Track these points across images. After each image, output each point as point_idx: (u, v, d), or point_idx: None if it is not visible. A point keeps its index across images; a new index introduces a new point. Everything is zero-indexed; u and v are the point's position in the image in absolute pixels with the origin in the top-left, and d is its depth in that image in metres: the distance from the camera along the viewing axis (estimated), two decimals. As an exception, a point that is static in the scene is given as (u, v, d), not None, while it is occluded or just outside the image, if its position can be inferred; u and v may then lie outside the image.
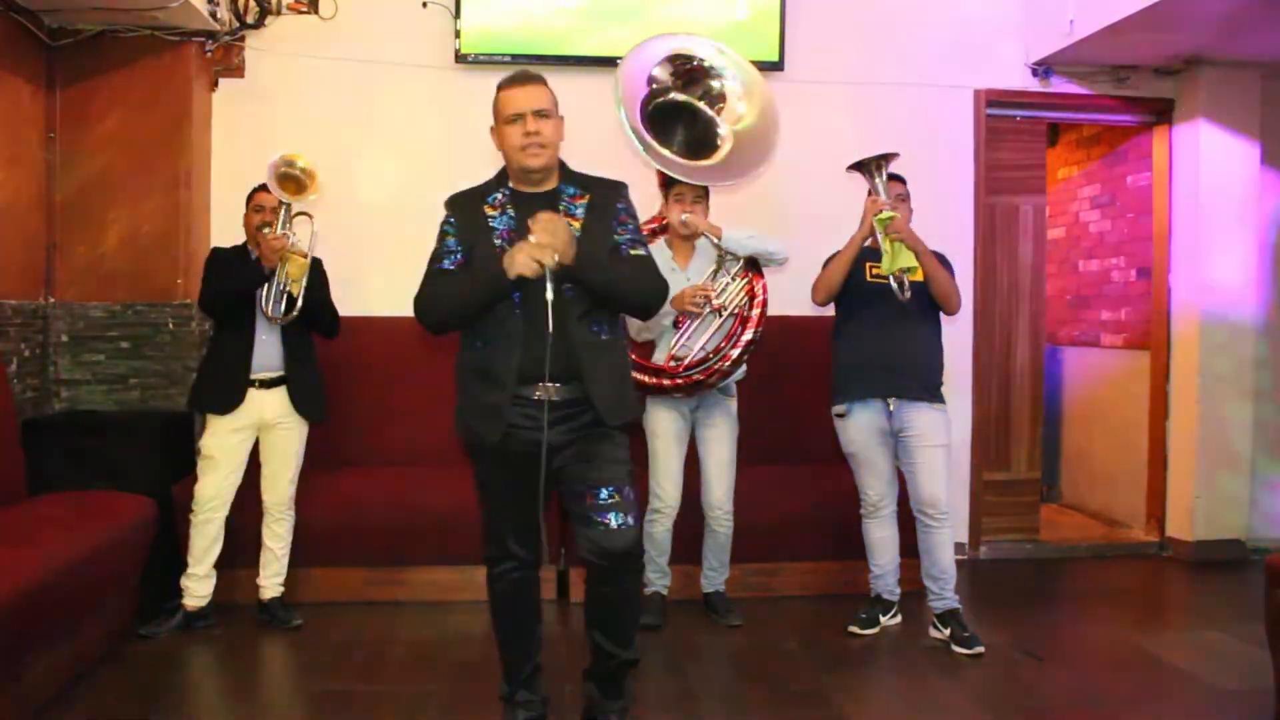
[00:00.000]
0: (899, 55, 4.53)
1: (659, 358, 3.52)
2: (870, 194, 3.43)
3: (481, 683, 2.96)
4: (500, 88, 2.45)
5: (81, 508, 3.16)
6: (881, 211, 3.36)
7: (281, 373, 3.47)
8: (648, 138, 3.00)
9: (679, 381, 3.45)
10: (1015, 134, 4.71)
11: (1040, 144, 4.84)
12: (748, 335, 3.48)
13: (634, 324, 3.46)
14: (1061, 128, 5.60)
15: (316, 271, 3.55)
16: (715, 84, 3.16)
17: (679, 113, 3.17)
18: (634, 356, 3.48)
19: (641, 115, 3.05)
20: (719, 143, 3.15)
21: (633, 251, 2.43)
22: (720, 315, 3.47)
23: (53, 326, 3.98)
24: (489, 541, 2.53)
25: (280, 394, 3.48)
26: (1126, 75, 4.64)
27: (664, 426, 3.53)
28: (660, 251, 3.53)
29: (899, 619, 3.59)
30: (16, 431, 3.40)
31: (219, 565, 3.52)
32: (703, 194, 3.48)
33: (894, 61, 4.52)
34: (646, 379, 3.47)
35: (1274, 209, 4.77)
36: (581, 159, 2.61)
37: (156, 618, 3.42)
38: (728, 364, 3.45)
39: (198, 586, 3.46)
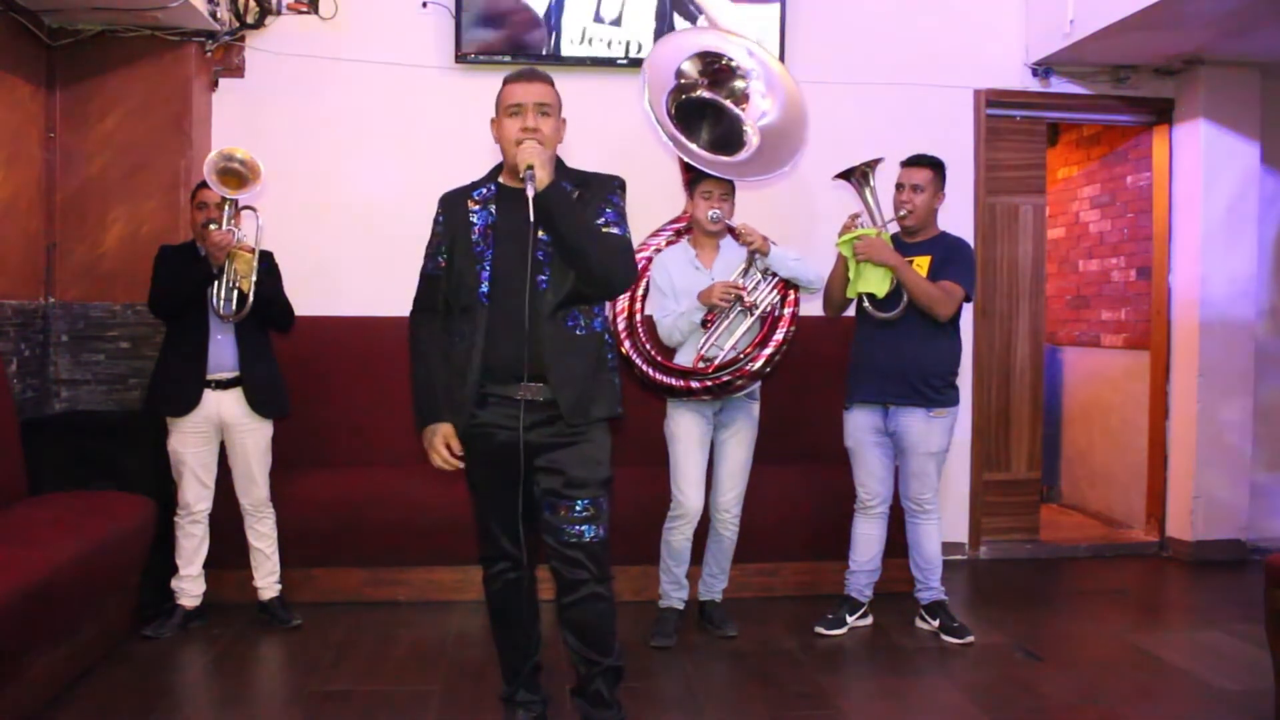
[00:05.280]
0: (899, 55, 4.53)
1: (685, 359, 3.40)
2: (850, 216, 3.43)
3: (481, 683, 2.97)
4: (506, 80, 2.44)
5: (81, 508, 3.15)
6: (845, 234, 3.39)
7: (237, 373, 3.43)
8: (675, 131, 2.99)
9: (708, 384, 3.33)
10: (1015, 134, 4.71)
11: (1040, 144, 4.84)
12: (779, 335, 3.37)
13: (663, 327, 3.40)
14: (1061, 128, 5.61)
15: (268, 265, 3.50)
16: (739, 84, 3.15)
17: (704, 110, 3.14)
18: (659, 359, 3.44)
19: (668, 109, 3.03)
20: (745, 139, 3.13)
21: (605, 229, 2.38)
22: (751, 314, 3.36)
23: (53, 326, 3.98)
24: (482, 541, 2.54)
25: (237, 395, 3.43)
26: (1126, 75, 4.65)
27: (686, 430, 3.43)
28: (684, 251, 3.48)
29: (869, 620, 3.60)
30: (16, 431, 3.40)
31: (216, 566, 3.52)
32: (730, 190, 3.38)
33: (894, 61, 4.52)
34: (673, 381, 3.36)
35: (1274, 209, 4.77)
36: (578, 160, 2.60)
37: (157, 618, 3.42)
38: (759, 364, 3.33)
39: (192, 586, 3.47)
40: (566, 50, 4.25)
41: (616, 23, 4.20)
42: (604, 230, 2.38)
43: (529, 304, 2.30)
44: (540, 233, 2.31)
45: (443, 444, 2.43)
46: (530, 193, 2.25)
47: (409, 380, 2.51)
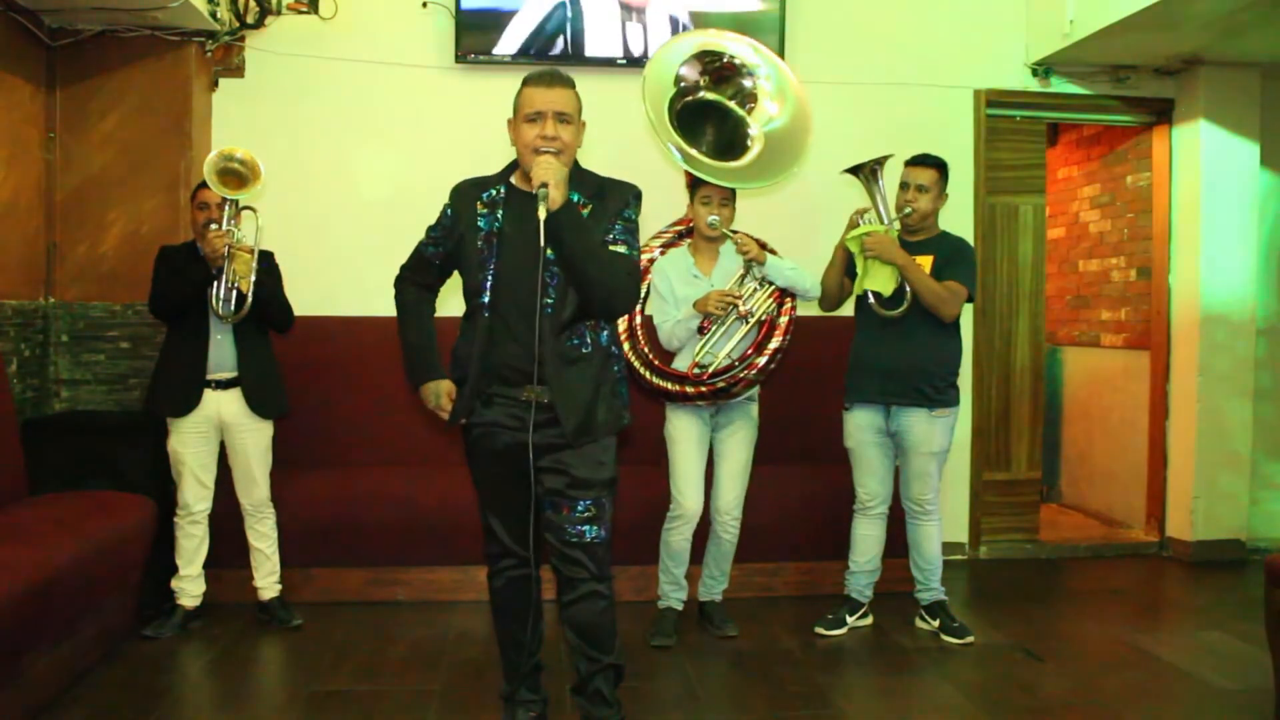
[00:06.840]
0: (899, 55, 4.53)
1: (683, 364, 3.41)
2: (856, 211, 3.44)
3: (481, 683, 2.97)
4: (526, 82, 2.37)
5: (81, 508, 3.15)
6: (854, 229, 3.39)
7: (236, 373, 3.43)
8: (676, 137, 2.97)
9: (702, 389, 3.33)
10: (1015, 134, 4.71)
11: (1040, 144, 4.84)
12: (774, 343, 3.38)
13: (663, 332, 3.41)
14: (1061, 128, 5.60)
15: (268, 265, 3.50)
16: (747, 82, 3.11)
17: (708, 112, 3.12)
18: (657, 363, 3.45)
19: (669, 114, 3.01)
20: (749, 144, 3.10)
21: (613, 247, 2.35)
22: (746, 322, 3.36)
23: (53, 326, 3.98)
24: (488, 539, 2.54)
25: (236, 395, 3.43)
26: (1126, 75, 4.65)
27: (684, 433, 3.43)
28: (684, 258, 3.47)
29: (869, 619, 3.61)
30: (16, 431, 3.40)
31: (216, 566, 3.53)
32: (730, 196, 3.37)
33: (894, 61, 4.52)
34: (669, 386, 3.38)
35: (1274, 209, 4.77)
36: (583, 161, 2.60)
37: (157, 618, 3.42)
38: (753, 373, 3.35)
39: (192, 586, 3.47)
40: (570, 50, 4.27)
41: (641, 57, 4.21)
42: (612, 250, 2.34)
43: (535, 325, 2.28)
44: (548, 250, 2.28)
45: (447, 398, 2.47)
46: (542, 214, 2.21)
47: (399, 341, 2.58)
